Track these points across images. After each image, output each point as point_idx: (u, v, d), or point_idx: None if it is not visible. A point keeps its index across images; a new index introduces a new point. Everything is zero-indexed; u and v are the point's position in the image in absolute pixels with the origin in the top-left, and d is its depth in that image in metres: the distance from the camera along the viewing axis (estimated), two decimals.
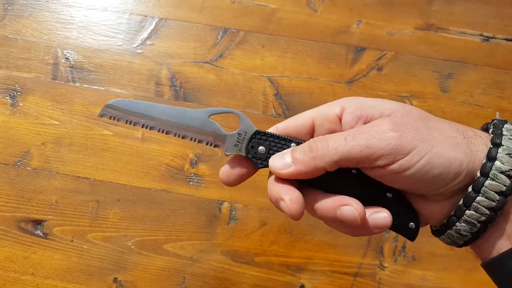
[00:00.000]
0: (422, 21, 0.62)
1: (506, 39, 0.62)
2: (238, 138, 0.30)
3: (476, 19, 0.63)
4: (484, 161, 0.26)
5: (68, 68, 0.58)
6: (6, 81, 0.57)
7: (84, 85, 0.57)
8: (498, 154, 0.26)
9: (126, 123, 0.31)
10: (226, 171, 0.31)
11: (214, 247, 0.51)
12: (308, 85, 0.58)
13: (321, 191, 0.29)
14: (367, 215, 0.28)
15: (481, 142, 0.27)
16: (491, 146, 0.26)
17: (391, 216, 0.28)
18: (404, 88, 0.59)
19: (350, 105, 0.28)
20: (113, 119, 0.31)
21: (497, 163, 0.26)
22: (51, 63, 0.58)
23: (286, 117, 0.56)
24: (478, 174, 0.26)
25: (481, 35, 0.62)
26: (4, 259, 0.49)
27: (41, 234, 0.50)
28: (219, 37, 0.60)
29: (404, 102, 0.57)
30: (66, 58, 0.58)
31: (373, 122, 0.28)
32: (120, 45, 0.59)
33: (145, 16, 0.61)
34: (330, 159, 0.27)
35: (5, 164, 0.53)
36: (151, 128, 0.31)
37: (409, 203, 0.29)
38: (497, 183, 0.26)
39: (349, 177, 0.29)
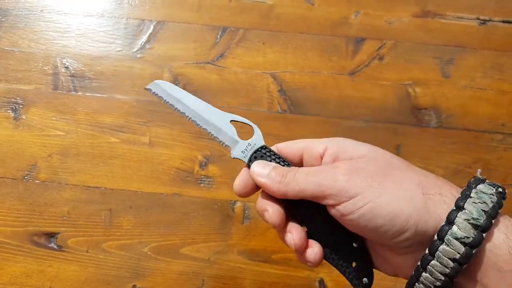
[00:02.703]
0: (419, 8, 0.63)
1: (503, 21, 0.62)
2: (246, 147, 0.33)
3: (471, 2, 0.63)
4: (443, 223, 0.25)
5: (69, 77, 0.57)
6: (7, 94, 0.56)
7: (87, 94, 0.56)
8: (456, 218, 0.25)
9: (164, 102, 0.35)
10: (239, 183, 0.33)
11: (230, 248, 0.51)
12: (311, 79, 0.58)
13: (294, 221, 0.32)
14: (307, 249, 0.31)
15: (444, 202, 0.26)
16: (453, 208, 0.26)
17: (321, 254, 0.31)
18: (406, 76, 0.59)
19: (332, 146, 0.30)
20: (156, 95, 0.35)
21: (454, 228, 0.25)
22: (51, 73, 0.57)
23: (292, 113, 0.56)
24: (436, 237, 0.25)
25: (478, 18, 0.62)
26: (20, 274, 0.49)
27: (55, 246, 0.50)
28: (218, 36, 0.60)
29: (407, 90, 0.58)
30: (66, 67, 0.58)
31: (334, 163, 0.30)
32: (119, 50, 0.59)
33: (142, 19, 0.60)
34: (292, 188, 0.29)
35: (13, 179, 0.52)
36: (182, 114, 0.35)
37: (369, 259, 0.31)
38: (451, 250, 0.25)
39: (319, 218, 0.31)
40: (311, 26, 0.60)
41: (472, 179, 0.28)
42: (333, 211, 0.28)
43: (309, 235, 0.32)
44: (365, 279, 0.31)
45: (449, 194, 0.27)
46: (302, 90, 0.58)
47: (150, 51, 0.59)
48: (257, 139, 0.33)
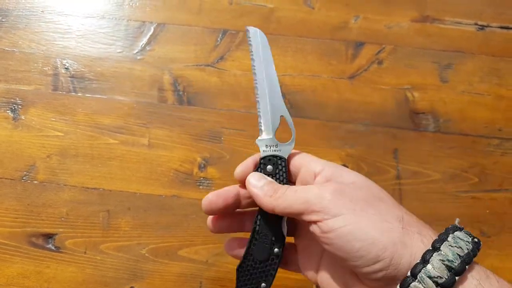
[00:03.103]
0: (418, 13, 0.63)
1: (501, 27, 0.63)
2: (272, 146, 0.34)
3: (470, 8, 0.64)
4: (418, 261, 0.26)
5: (69, 78, 0.57)
6: (6, 94, 0.56)
7: (86, 95, 0.56)
8: (432, 258, 0.26)
9: (250, 50, 0.36)
10: (242, 169, 0.35)
11: None
12: (310, 82, 0.58)
13: None
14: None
15: (421, 241, 0.27)
16: (430, 248, 0.26)
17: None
18: (404, 80, 0.59)
19: (328, 169, 0.32)
20: (248, 41, 0.36)
21: (428, 266, 0.25)
22: (50, 74, 0.57)
23: (291, 115, 0.56)
24: (409, 273, 0.26)
25: (476, 24, 0.63)
26: (17, 275, 0.49)
27: (53, 247, 0.50)
28: (218, 39, 0.60)
29: (405, 95, 0.58)
30: (66, 68, 0.58)
31: (324, 184, 0.31)
32: (119, 52, 0.59)
33: (143, 21, 0.60)
34: (280, 203, 0.31)
35: (11, 179, 0.52)
36: (253, 73, 0.35)
37: None
38: (422, 287, 0.25)
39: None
40: (311, 30, 0.61)
41: (450, 226, 0.29)
42: (314, 227, 0.29)
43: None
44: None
45: (427, 235, 0.28)
46: (301, 93, 0.58)
47: (150, 53, 0.59)
48: (286, 149, 0.34)
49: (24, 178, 0.52)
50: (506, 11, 0.64)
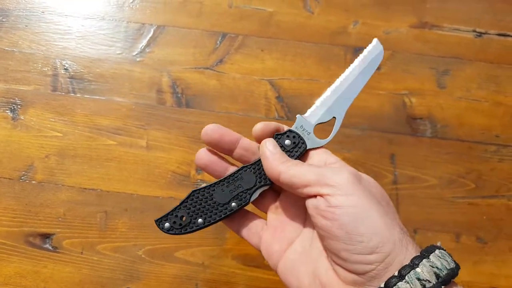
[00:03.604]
0: (417, 19, 0.63)
1: (499, 34, 0.63)
2: (306, 130, 0.35)
3: (468, 15, 0.64)
4: (407, 263, 0.26)
5: (68, 79, 0.57)
6: (5, 94, 0.56)
7: (85, 96, 0.57)
8: (422, 262, 0.26)
9: (359, 56, 0.38)
10: (262, 127, 0.35)
11: (224, 252, 0.51)
12: (309, 86, 0.59)
13: None
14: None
15: (414, 249, 0.27)
16: (419, 255, 0.27)
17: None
18: (402, 85, 0.60)
19: (341, 164, 0.33)
20: (365, 49, 0.38)
21: (418, 269, 0.26)
22: (50, 74, 0.57)
23: (289, 119, 0.57)
24: (396, 273, 0.26)
25: (474, 31, 0.63)
26: (14, 274, 0.49)
27: (50, 247, 0.50)
28: (218, 42, 0.60)
29: (403, 100, 0.58)
30: (65, 69, 0.58)
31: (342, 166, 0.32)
32: (119, 53, 0.59)
33: (143, 23, 0.61)
34: (287, 170, 0.31)
35: (9, 179, 0.52)
36: (345, 72, 0.37)
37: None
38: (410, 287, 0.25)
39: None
40: (310, 35, 0.61)
41: (432, 245, 0.29)
42: (318, 201, 0.29)
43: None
44: (167, 224, 0.35)
45: (417, 246, 0.28)
46: (299, 97, 0.58)
47: (149, 55, 0.59)
48: (313, 142, 0.35)
49: (22, 178, 0.53)
50: (504, 18, 0.64)
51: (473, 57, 0.62)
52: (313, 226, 0.34)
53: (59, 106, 0.56)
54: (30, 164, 0.53)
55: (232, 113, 0.57)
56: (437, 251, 0.28)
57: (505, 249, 0.52)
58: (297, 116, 0.36)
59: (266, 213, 0.38)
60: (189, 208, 0.36)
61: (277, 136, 0.36)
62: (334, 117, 0.36)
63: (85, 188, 0.52)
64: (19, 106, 0.56)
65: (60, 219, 0.51)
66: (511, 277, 0.51)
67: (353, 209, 0.27)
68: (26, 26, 0.60)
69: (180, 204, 0.36)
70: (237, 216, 0.38)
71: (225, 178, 0.36)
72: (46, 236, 0.50)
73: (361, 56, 0.37)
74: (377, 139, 0.56)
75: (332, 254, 0.29)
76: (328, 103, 0.37)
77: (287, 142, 0.35)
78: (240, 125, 0.56)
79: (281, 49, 0.60)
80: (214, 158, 0.37)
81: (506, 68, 0.61)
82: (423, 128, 0.57)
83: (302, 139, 0.35)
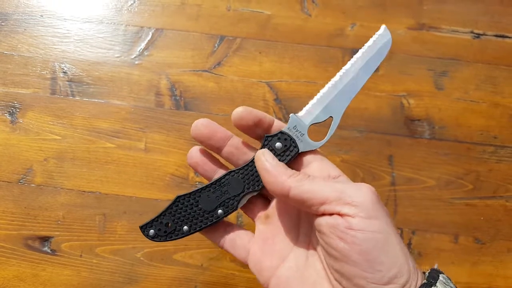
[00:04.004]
0: (414, 20, 0.64)
1: (496, 35, 0.63)
2: (299, 131, 0.33)
3: (466, 17, 0.64)
4: (424, 281, 0.25)
5: (67, 82, 0.58)
6: (4, 98, 0.56)
7: (84, 99, 0.57)
8: (437, 284, 0.25)
9: (364, 46, 0.35)
10: (245, 112, 0.34)
11: (223, 254, 0.51)
12: (306, 88, 0.59)
13: None
14: None
15: (419, 272, 0.26)
16: (425, 282, 0.26)
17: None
18: (400, 87, 0.60)
19: (345, 179, 0.31)
20: (372, 39, 0.35)
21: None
22: (49, 77, 0.58)
23: (286, 121, 0.57)
24: None
25: (472, 32, 0.64)
26: (13, 278, 0.49)
27: (49, 250, 0.50)
28: (216, 45, 0.61)
29: (401, 102, 0.58)
30: (64, 72, 0.58)
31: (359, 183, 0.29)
32: (117, 56, 0.59)
33: (141, 27, 0.61)
34: (301, 185, 0.28)
35: (8, 182, 0.53)
36: (345, 67, 0.34)
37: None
38: None
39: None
40: (308, 37, 0.61)
41: (431, 269, 0.28)
42: (336, 220, 0.26)
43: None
44: (151, 231, 0.35)
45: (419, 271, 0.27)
46: (297, 99, 0.58)
47: (148, 58, 0.59)
48: (306, 145, 0.32)
49: (21, 181, 0.53)
50: (502, 19, 0.64)
51: (471, 58, 0.62)
52: (307, 240, 0.32)
53: (57, 109, 0.56)
54: (29, 167, 0.53)
55: (230, 115, 0.57)
56: (441, 277, 0.26)
57: (503, 249, 0.52)
58: (291, 115, 0.33)
59: (253, 220, 0.36)
60: (174, 215, 0.34)
61: (268, 138, 0.33)
62: (331, 117, 0.33)
63: (84, 191, 0.53)
64: (18, 110, 0.56)
65: (59, 222, 0.51)
66: (509, 277, 0.51)
67: (376, 235, 0.25)
68: (25, 29, 0.60)
69: (165, 210, 0.34)
70: (220, 226, 0.35)
71: (211, 184, 0.34)
72: (45, 239, 0.51)
73: (366, 45, 0.34)
74: (375, 140, 0.56)
75: (343, 278, 0.27)
76: (325, 100, 0.33)
77: (278, 145, 0.33)
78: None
79: (279, 52, 0.60)
80: (205, 158, 0.36)
81: (503, 69, 0.61)
82: (421, 129, 0.57)
83: (294, 142, 0.33)
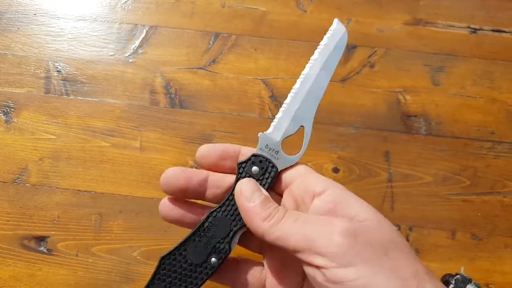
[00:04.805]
0: (410, 16, 0.63)
1: (493, 30, 0.63)
2: (273, 149, 0.30)
3: (462, 12, 0.64)
4: None
5: (61, 81, 0.57)
6: None
7: (78, 97, 0.57)
8: None
9: (319, 46, 0.32)
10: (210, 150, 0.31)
11: None
12: None
13: None
14: None
15: None
16: None
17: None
18: (396, 83, 0.60)
19: (332, 193, 0.27)
20: (327, 35, 0.32)
21: None
22: (43, 76, 0.57)
23: None
24: None
25: (469, 27, 0.63)
26: (9, 278, 0.49)
27: (45, 250, 0.50)
28: (211, 42, 0.60)
29: (397, 98, 0.58)
30: (58, 71, 0.58)
31: (330, 218, 0.25)
32: (112, 55, 0.59)
33: (135, 24, 0.61)
34: (273, 232, 0.26)
35: (3, 182, 0.52)
36: (303, 72, 0.32)
37: None
38: None
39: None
40: (303, 33, 0.61)
41: (458, 276, 0.26)
42: (314, 272, 0.25)
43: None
44: None
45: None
46: None
47: (142, 55, 0.59)
48: (284, 162, 0.30)
49: (16, 181, 0.53)
50: (498, 14, 0.64)
51: (468, 53, 0.62)
52: None
53: (52, 108, 0.56)
54: (24, 167, 0.53)
55: (225, 113, 0.57)
56: None
57: (500, 245, 0.52)
58: (259, 134, 0.31)
59: (257, 253, 0.34)
60: (164, 280, 0.30)
61: (241, 165, 0.30)
62: (302, 126, 0.31)
63: (80, 190, 0.52)
64: (12, 109, 0.56)
65: (54, 221, 0.51)
66: (506, 273, 0.51)
67: (356, 283, 0.23)
68: (18, 28, 0.60)
69: (153, 277, 0.31)
70: (229, 268, 0.32)
71: (194, 232, 0.30)
72: (40, 239, 0.50)
73: (321, 45, 0.32)
74: (371, 137, 0.56)
75: None
76: (291, 112, 0.31)
77: (254, 169, 0.30)
78: (233, 124, 0.56)
79: (274, 48, 0.60)
80: (182, 210, 0.32)
81: (500, 64, 0.61)
82: (418, 125, 0.57)
83: (270, 161, 0.30)
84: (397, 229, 0.27)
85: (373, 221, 0.26)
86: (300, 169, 0.30)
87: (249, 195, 0.28)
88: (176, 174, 0.30)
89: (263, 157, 0.30)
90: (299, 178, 0.29)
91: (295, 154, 0.31)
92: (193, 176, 0.30)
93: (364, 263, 0.23)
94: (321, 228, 0.25)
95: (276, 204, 0.28)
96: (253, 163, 0.30)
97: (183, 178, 0.30)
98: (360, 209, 0.26)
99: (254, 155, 0.30)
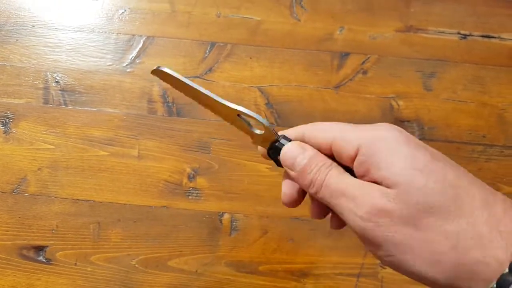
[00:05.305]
0: (402, 23, 0.65)
1: (483, 36, 0.64)
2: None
3: (453, 18, 0.65)
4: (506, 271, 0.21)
5: (59, 92, 0.58)
6: None
7: (77, 107, 0.57)
8: None
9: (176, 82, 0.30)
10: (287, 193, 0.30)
11: (218, 259, 0.51)
12: (297, 92, 0.60)
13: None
14: None
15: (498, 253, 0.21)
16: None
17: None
18: (389, 89, 0.61)
19: (364, 151, 0.25)
20: (165, 76, 0.29)
21: None
22: (41, 87, 0.58)
23: (278, 125, 0.58)
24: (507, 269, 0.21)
25: (459, 33, 0.65)
26: None
27: (44, 260, 0.50)
28: (207, 51, 0.61)
29: (390, 103, 0.59)
30: (56, 82, 0.58)
31: (370, 185, 0.24)
32: (109, 65, 0.60)
33: (133, 35, 0.62)
34: (318, 196, 0.26)
35: (2, 192, 0.53)
36: (197, 89, 0.29)
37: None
38: None
39: None
40: (298, 41, 0.62)
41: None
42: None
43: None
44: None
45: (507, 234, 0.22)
46: (288, 103, 0.59)
47: (140, 65, 0.60)
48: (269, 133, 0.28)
49: (15, 191, 0.53)
50: (488, 20, 0.65)
51: (458, 59, 0.63)
52: None
53: (50, 118, 0.56)
54: (22, 177, 0.54)
55: (222, 120, 0.57)
56: None
57: None
58: (267, 124, 0.29)
59: None
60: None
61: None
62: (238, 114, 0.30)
63: (78, 200, 0.53)
64: (11, 120, 0.56)
65: (53, 231, 0.51)
66: None
67: (389, 260, 0.24)
68: (17, 40, 0.60)
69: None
70: None
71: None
72: (39, 249, 0.51)
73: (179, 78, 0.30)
74: None
75: None
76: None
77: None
78: (229, 132, 0.56)
79: (269, 57, 0.61)
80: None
81: (490, 69, 0.62)
82: (411, 130, 0.58)
83: (287, 138, 0.29)
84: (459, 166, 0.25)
85: (409, 178, 0.23)
86: (329, 132, 0.28)
87: (290, 164, 0.28)
88: (288, 193, 0.29)
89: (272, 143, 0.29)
90: (334, 148, 0.27)
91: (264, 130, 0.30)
92: (292, 190, 0.29)
93: (387, 244, 0.23)
94: (350, 206, 0.24)
95: (320, 164, 0.27)
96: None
97: (296, 191, 0.29)
98: (393, 164, 0.24)
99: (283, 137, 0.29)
